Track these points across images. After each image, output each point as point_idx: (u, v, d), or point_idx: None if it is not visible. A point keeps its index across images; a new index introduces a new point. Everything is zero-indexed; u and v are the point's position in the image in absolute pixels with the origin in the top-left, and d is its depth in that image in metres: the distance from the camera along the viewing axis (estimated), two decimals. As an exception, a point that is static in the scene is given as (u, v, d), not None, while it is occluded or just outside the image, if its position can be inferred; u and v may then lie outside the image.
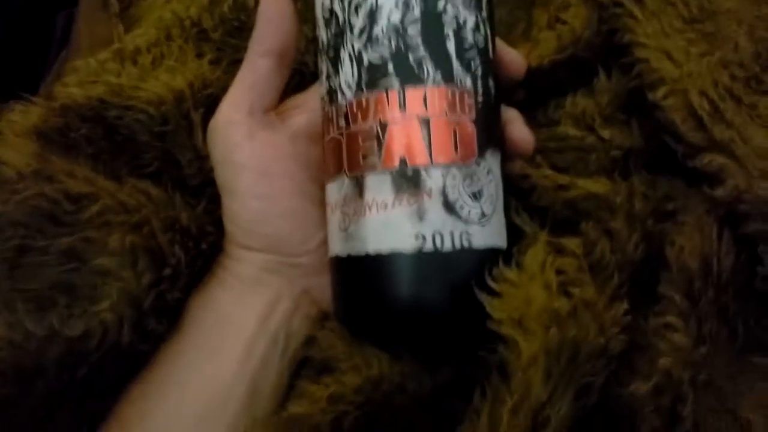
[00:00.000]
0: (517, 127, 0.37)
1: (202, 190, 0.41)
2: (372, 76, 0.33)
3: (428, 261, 0.32)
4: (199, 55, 0.45)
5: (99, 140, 0.40)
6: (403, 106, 0.33)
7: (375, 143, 0.33)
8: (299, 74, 0.46)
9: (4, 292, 0.34)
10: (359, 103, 0.33)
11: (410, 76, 0.33)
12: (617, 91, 0.41)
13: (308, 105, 0.40)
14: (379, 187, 0.33)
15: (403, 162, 0.32)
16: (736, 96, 0.37)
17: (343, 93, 0.34)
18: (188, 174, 0.41)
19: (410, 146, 0.32)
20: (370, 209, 0.33)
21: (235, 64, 0.44)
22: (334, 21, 0.35)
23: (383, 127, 0.33)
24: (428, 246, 0.32)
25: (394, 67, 0.33)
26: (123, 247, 0.35)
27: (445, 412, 0.33)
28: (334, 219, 0.35)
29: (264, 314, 0.37)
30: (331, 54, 0.35)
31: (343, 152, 0.34)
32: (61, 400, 0.34)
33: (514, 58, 0.38)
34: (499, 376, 0.30)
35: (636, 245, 0.34)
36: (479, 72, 0.34)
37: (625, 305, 0.32)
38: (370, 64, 0.33)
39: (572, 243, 0.33)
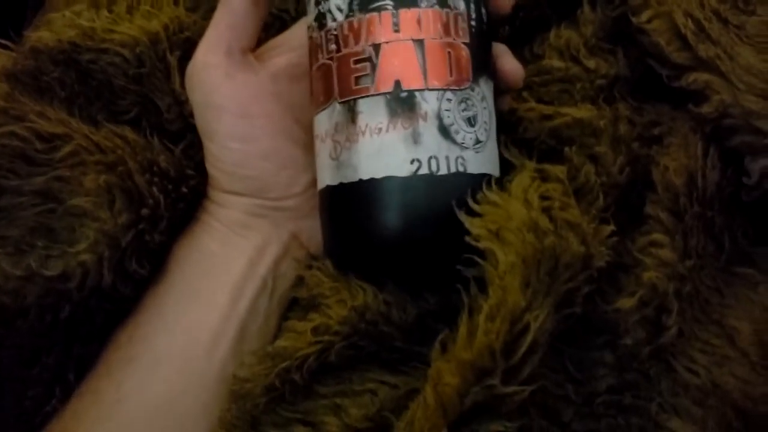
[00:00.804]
0: (506, 59, 0.36)
1: (183, 135, 0.40)
2: None
3: (424, 185, 0.31)
4: (176, 2, 0.44)
5: (72, 84, 0.39)
6: (396, 27, 0.32)
7: (368, 65, 0.32)
8: (280, 21, 0.45)
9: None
10: (351, 25, 0.32)
11: None
12: (602, 21, 0.40)
13: (288, 44, 0.39)
14: (372, 111, 0.32)
15: (397, 85, 0.32)
16: (722, 17, 0.36)
17: (333, 17, 0.33)
18: (168, 119, 0.40)
19: (405, 69, 0.32)
20: (363, 134, 0.32)
21: (212, 11, 0.43)
22: None
23: (376, 49, 0.32)
24: (423, 170, 0.31)
25: None
26: (98, 186, 0.35)
27: (431, 338, 0.33)
28: (324, 149, 0.34)
29: (252, 259, 0.36)
30: None
31: (334, 77, 0.33)
32: (46, 341, 0.34)
33: None
34: (477, 288, 0.29)
35: (621, 168, 0.34)
36: None
37: (611, 227, 0.32)
38: None
39: (557, 169, 0.32)
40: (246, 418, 0.34)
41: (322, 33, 0.34)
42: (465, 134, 0.32)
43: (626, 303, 0.29)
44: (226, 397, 0.35)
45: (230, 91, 0.35)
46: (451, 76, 0.32)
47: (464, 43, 0.33)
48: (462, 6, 0.33)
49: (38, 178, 0.35)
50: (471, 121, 0.32)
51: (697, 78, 0.34)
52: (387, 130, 0.32)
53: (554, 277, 0.27)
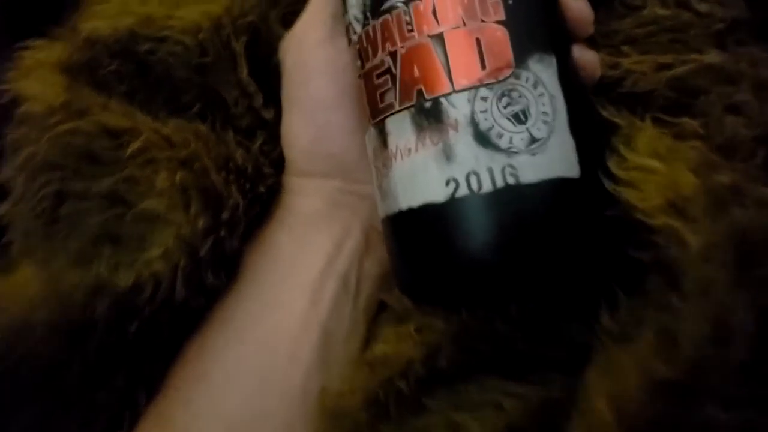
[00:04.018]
0: (568, 3, 0.30)
1: (253, 132, 0.36)
2: (375, 0, 0.28)
3: (466, 209, 0.26)
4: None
5: (132, 77, 0.35)
6: (410, 26, 0.27)
7: (389, 78, 0.28)
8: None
9: (44, 249, 0.30)
10: (368, 36, 0.29)
11: None
12: None
13: None
14: (399, 130, 0.28)
15: (419, 94, 0.27)
16: None
17: (354, 29, 0.30)
18: (236, 114, 0.36)
19: (425, 73, 0.27)
20: (395, 158, 0.28)
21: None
22: None
23: (393, 56, 0.28)
24: (462, 191, 0.26)
25: None
26: (172, 186, 0.31)
27: (560, 339, 0.29)
28: (373, 177, 0.30)
29: (331, 254, 0.33)
30: None
31: (365, 97, 0.29)
32: (114, 361, 0.30)
33: None
34: (663, 279, 0.25)
35: (768, 117, 0.29)
36: None
37: None
38: None
39: (691, 124, 0.28)
40: (343, 440, 0.30)
41: (350, 49, 0.31)
42: (512, 136, 0.26)
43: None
44: (315, 414, 0.31)
45: (325, 55, 0.33)
46: (483, 68, 0.26)
47: (499, 22, 0.27)
48: None
49: (105, 179, 0.31)
50: (519, 118, 0.26)
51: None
52: (416, 150, 0.27)
53: (752, 262, 0.23)
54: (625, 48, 0.33)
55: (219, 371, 0.32)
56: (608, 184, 0.28)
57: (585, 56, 0.31)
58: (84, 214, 0.31)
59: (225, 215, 0.32)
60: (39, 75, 0.32)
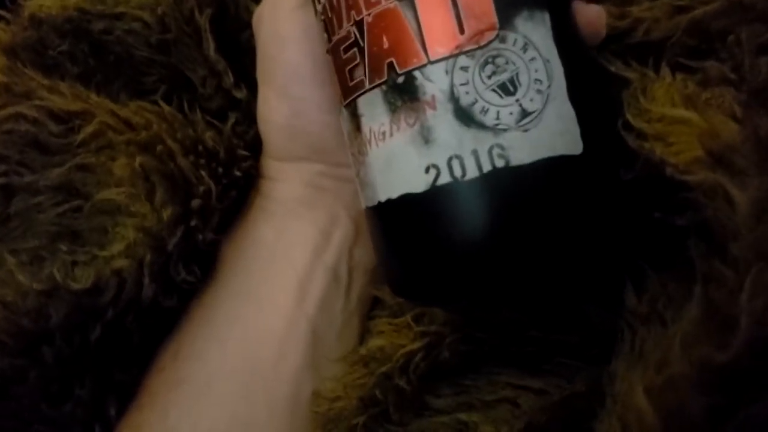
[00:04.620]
0: None
1: (224, 114, 0.33)
2: None
3: (449, 199, 0.23)
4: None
5: (86, 59, 0.32)
6: None
7: (356, 52, 0.24)
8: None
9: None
10: (331, 4, 0.25)
11: None
12: None
13: None
14: (371, 111, 0.24)
15: (390, 68, 0.23)
16: None
17: None
18: (204, 95, 0.34)
19: (395, 43, 0.23)
20: (369, 144, 0.24)
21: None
22: None
23: (360, 26, 0.24)
24: (444, 178, 0.23)
25: None
26: (133, 172, 0.28)
27: (578, 323, 0.26)
28: (350, 164, 0.27)
29: (317, 244, 0.31)
30: None
31: (334, 76, 0.26)
32: (77, 370, 0.27)
33: None
34: (705, 246, 0.21)
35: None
36: None
37: None
38: None
39: (719, 68, 0.24)
40: (339, 448, 0.27)
41: (316, 21, 0.27)
42: (499, 110, 0.23)
43: None
44: (307, 422, 0.29)
45: (300, 22, 0.30)
46: (462, 33, 0.23)
47: None
48: None
49: (56, 169, 0.28)
50: (507, 88, 0.23)
51: None
52: (391, 133, 0.24)
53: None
54: (632, -4, 0.30)
55: (198, 376, 0.29)
56: (631, 140, 0.24)
57: (587, 12, 0.27)
58: (35, 209, 0.28)
59: (195, 203, 0.29)
60: (-24, 57, 0.28)
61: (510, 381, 0.26)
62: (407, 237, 0.24)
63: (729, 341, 0.19)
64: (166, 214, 0.28)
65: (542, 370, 0.26)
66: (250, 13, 0.34)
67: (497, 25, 0.23)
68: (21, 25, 0.31)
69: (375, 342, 0.29)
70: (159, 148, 0.28)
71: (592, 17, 0.27)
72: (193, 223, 0.29)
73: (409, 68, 0.23)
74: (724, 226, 0.21)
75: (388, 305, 0.30)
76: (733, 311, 0.19)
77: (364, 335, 0.31)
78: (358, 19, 0.24)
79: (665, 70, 0.26)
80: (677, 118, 0.22)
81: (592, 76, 0.26)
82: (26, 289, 0.26)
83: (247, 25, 0.34)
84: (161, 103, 0.31)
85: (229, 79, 0.33)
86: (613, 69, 0.27)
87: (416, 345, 0.27)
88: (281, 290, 0.30)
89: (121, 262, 0.27)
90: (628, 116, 0.24)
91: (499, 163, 0.22)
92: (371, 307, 0.32)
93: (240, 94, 0.33)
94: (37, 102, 0.28)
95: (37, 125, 0.28)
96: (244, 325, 0.30)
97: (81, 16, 0.32)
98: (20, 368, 0.26)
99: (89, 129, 0.28)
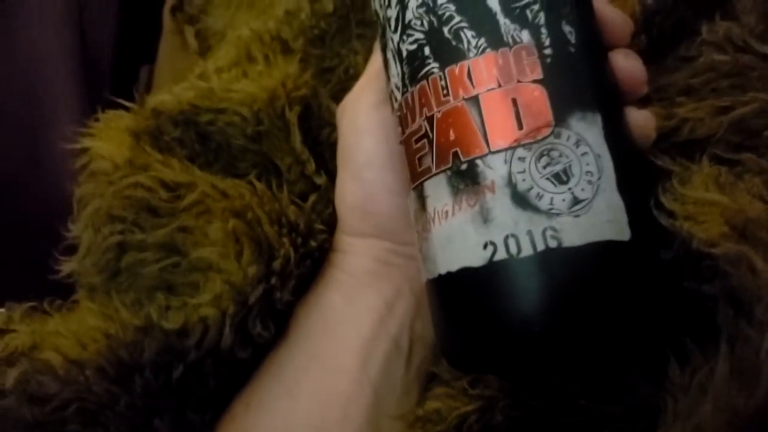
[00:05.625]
0: (619, 60, 0.29)
1: (306, 196, 0.37)
2: (412, 67, 0.28)
3: (505, 274, 0.25)
4: (286, 52, 0.43)
5: (192, 144, 0.37)
6: (446, 90, 0.27)
7: (426, 143, 0.28)
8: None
9: (103, 303, 0.31)
10: (406, 103, 0.29)
11: (448, 52, 0.27)
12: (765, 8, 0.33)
13: None
14: (437, 193, 0.27)
15: (455, 156, 0.27)
16: None
17: (395, 96, 0.30)
18: (289, 180, 0.38)
19: (460, 135, 0.27)
20: (433, 222, 0.27)
21: (322, 74, 0.43)
22: (378, 22, 0.31)
23: (430, 121, 0.28)
24: (500, 254, 0.25)
25: (431, 48, 0.28)
26: (225, 235, 0.32)
27: (623, 394, 0.27)
28: (415, 240, 0.30)
29: (382, 313, 0.33)
30: (383, 58, 0.32)
31: (405, 163, 0.30)
32: (160, 404, 0.30)
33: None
34: (732, 310, 0.23)
35: None
36: (542, 19, 0.27)
37: None
38: (408, 54, 0.29)
39: (755, 160, 0.26)
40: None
41: (393, 116, 0.31)
42: (553, 197, 0.25)
43: None
44: None
45: (377, 117, 0.34)
46: (520, 128, 0.26)
47: (536, 81, 0.26)
48: (527, 36, 0.27)
49: (162, 230, 0.32)
50: (560, 178, 0.25)
51: None
52: (453, 213, 0.26)
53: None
54: (680, 98, 0.32)
55: (267, 428, 0.31)
56: (665, 220, 0.26)
57: (637, 117, 0.30)
58: (141, 264, 0.32)
59: (276, 264, 0.32)
60: (108, 136, 0.34)
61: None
62: (464, 308, 0.26)
63: (754, 390, 0.21)
64: (251, 271, 0.32)
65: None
66: (331, 113, 0.39)
67: (552, 123, 0.26)
68: (144, 115, 0.37)
69: (431, 404, 0.30)
70: (249, 215, 0.33)
71: (641, 122, 0.30)
72: (273, 281, 0.32)
73: (472, 157, 0.26)
74: (747, 291, 0.23)
75: (444, 380, 0.32)
76: (757, 364, 0.21)
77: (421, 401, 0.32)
78: (429, 114, 0.28)
79: (705, 161, 0.29)
80: (708, 201, 0.25)
81: (641, 170, 0.29)
82: (127, 324, 0.29)
83: (327, 123, 0.39)
84: (254, 180, 0.35)
85: (312, 167, 0.37)
86: (659, 163, 0.30)
87: (470, 407, 0.29)
88: (347, 352, 0.32)
89: (207, 311, 0.31)
90: (662, 199, 0.27)
91: (552, 244, 0.24)
92: (428, 381, 0.33)
93: (320, 180, 0.37)
94: (153, 173, 0.33)
95: (151, 192, 0.32)
96: (314, 381, 0.32)
97: (192, 110, 0.37)
98: (114, 395, 0.29)
99: (192, 196, 0.33)
